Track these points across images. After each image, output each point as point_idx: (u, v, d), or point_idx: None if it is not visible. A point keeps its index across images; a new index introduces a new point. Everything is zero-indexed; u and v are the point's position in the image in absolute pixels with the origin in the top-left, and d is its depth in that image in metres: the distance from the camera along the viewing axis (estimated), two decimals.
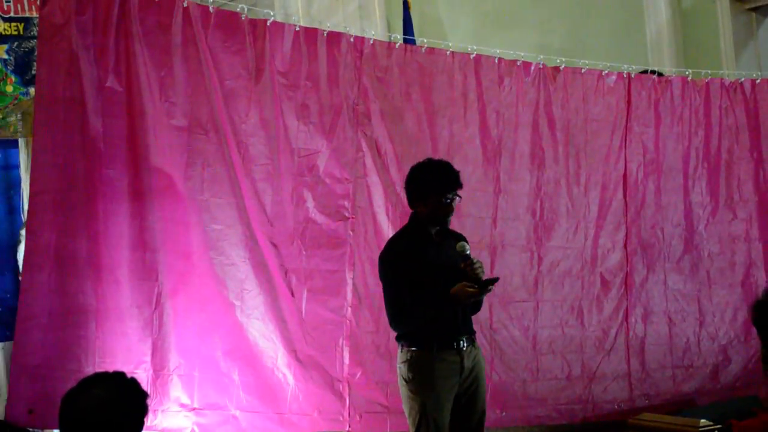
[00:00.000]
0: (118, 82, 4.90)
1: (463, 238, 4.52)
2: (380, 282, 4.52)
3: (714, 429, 5.35)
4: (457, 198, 4.44)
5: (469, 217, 6.00)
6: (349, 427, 5.47)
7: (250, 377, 5.19)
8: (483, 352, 5.89)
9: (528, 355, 6.20)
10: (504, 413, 6.03)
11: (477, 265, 4.28)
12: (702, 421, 5.26)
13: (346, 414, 5.46)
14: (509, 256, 6.18)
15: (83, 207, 4.78)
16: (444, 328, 4.33)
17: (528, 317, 6.22)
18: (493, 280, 4.34)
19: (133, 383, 2.64)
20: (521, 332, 6.19)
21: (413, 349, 4.33)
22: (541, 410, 6.24)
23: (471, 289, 4.20)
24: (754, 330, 6.74)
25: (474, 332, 4.52)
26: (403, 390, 4.40)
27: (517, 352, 6.16)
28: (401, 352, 4.41)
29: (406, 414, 4.42)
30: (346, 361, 5.46)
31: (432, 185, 4.38)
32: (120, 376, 2.66)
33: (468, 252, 4.33)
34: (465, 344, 4.38)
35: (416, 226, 4.47)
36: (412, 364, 4.32)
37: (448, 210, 4.39)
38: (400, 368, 4.40)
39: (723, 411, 5.57)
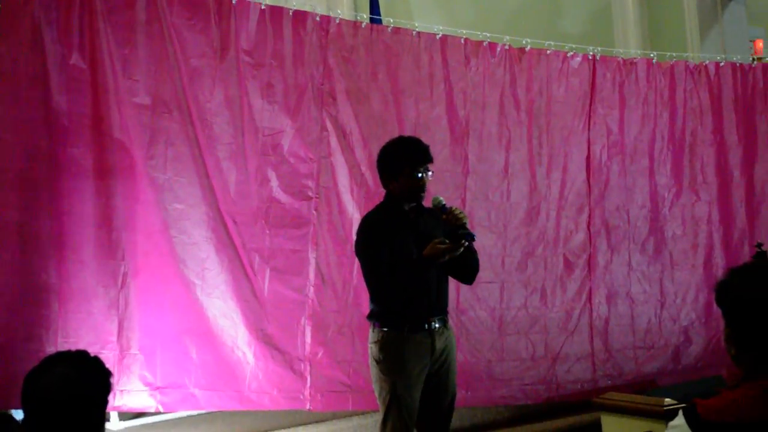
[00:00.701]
0: (82, 59, 4.86)
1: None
2: (350, 261, 4.50)
3: (678, 408, 5.40)
4: (430, 173, 4.41)
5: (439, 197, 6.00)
6: (310, 405, 5.49)
7: (208, 356, 5.18)
8: None
9: (493, 335, 6.23)
10: (469, 393, 6.06)
11: (458, 212, 4.26)
12: (666, 400, 5.30)
13: (307, 393, 5.46)
14: (478, 237, 6.14)
15: (47, 185, 4.75)
16: (416, 308, 4.30)
17: (494, 298, 6.25)
18: (466, 234, 4.22)
19: (96, 361, 2.62)
20: (488, 313, 6.21)
21: (384, 329, 4.31)
22: (506, 390, 6.28)
23: (442, 246, 4.15)
24: (715, 311, 6.91)
25: (447, 313, 4.49)
26: (373, 370, 4.38)
27: (483, 332, 6.18)
28: (372, 332, 4.39)
29: (377, 394, 4.39)
30: (308, 340, 5.46)
31: (403, 160, 4.36)
32: (83, 354, 2.64)
33: (444, 203, 4.33)
34: (437, 325, 4.35)
35: (390, 203, 4.46)
36: (383, 344, 4.30)
37: (421, 184, 4.37)
38: (371, 348, 4.38)
39: (686, 392, 5.61)
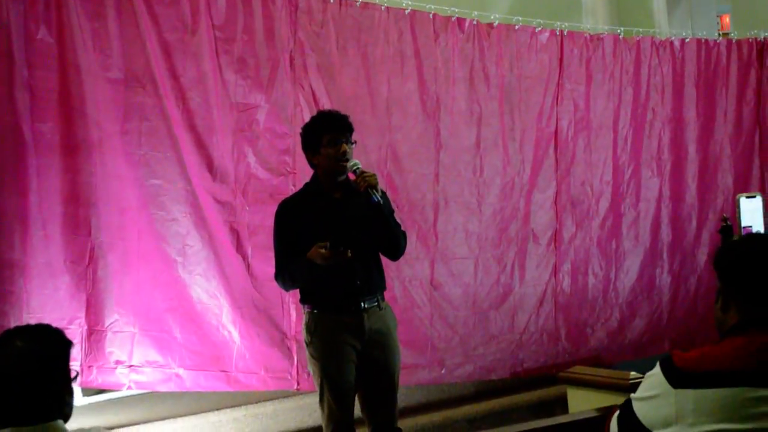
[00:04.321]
0: (49, 34, 4.75)
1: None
2: None
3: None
4: (352, 144, 4.24)
5: (411, 172, 6.02)
6: (298, 385, 5.44)
7: (192, 335, 5.12)
8: (422, 310, 5.93)
9: (467, 311, 6.25)
10: (444, 370, 6.09)
11: (368, 174, 4.11)
12: (632, 373, 5.35)
13: (294, 372, 5.42)
14: (452, 212, 6.19)
15: (11, 161, 4.65)
16: (341, 289, 4.15)
17: (468, 274, 6.26)
18: (344, 245, 3.96)
19: (57, 333, 2.57)
20: (462, 289, 6.23)
21: (312, 311, 4.21)
22: (478, 366, 6.31)
23: (322, 250, 3.97)
24: (657, 287, 7.04)
25: (381, 291, 4.30)
26: (306, 353, 4.29)
27: (457, 308, 6.20)
28: (304, 314, 4.27)
29: (313, 376, 4.30)
30: (293, 318, 5.40)
31: (321, 130, 4.21)
32: (42, 327, 2.59)
33: (359, 167, 4.15)
34: (366, 305, 4.20)
35: (313, 183, 4.32)
36: (310, 327, 4.19)
37: (341, 153, 4.16)
38: (303, 331, 4.27)
39: (648, 368, 5.69)
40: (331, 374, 4.13)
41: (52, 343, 2.53)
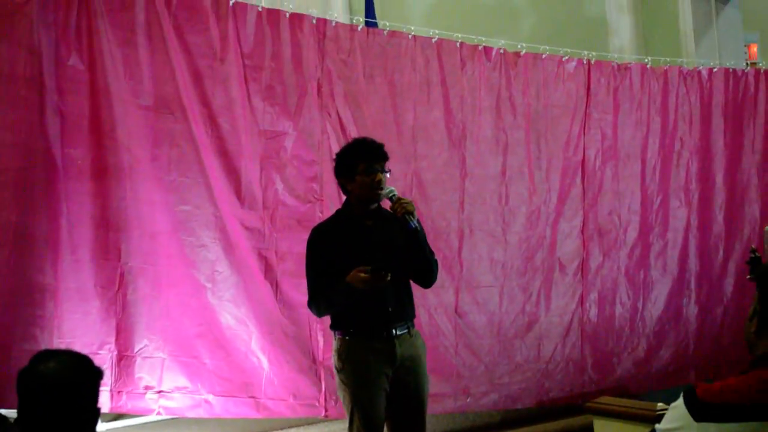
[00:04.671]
0: (81, 60, 4.79)
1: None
2: None
3: None
4: (387, 173, 4.28)
5: (436, 200, 6.03)
6: (326, 412, 5.43)
7: (222, 361, 5.11)
8: (447, 338, 5.92)
9: (492, 340, 6.23)
10: (470, 399, 6.07)
11: (405, 201, 4.20)
12: (659, 404, 5.31)
13: (322, 399, 5.41)
14: (477, 241, 6.19)
15: (43, 186, 4.67)
16: (374, 315, 4.17)
17: (494, 302, 6.25)
18: (385, 269, 4.00)
19: (85, 358, 2.61)
20: (487, 317, 6.21)
21: (344, 338, 4.22)
22: (503, 395, 6.29)
23: (363, 275, 3.99)
24: (684, 317, 6.99)
25: (411, 318, 4.33)
26: (336, 379, 4.29)
27: (481, 337, 6.18)
28: (334, 340, 4.28)
29: (342, 402, 4.29)
30: (321, 345, 5.40)
31: (357, 158, 4.24)
32: (71, 351, 2.66)
33: (395, 194, 4.23)
34: (398, 332, 4.22)
35: (346, 209, 4.36)
36: (342, 353, 4.20)
37: (376, 182, 4.20)
38: (333, 357, 4.27)
39: (676, 396, 5.65)
40: (363, 402, 4.15)
41: (83, 366, 2.57)
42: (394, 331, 4.20)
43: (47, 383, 2.48)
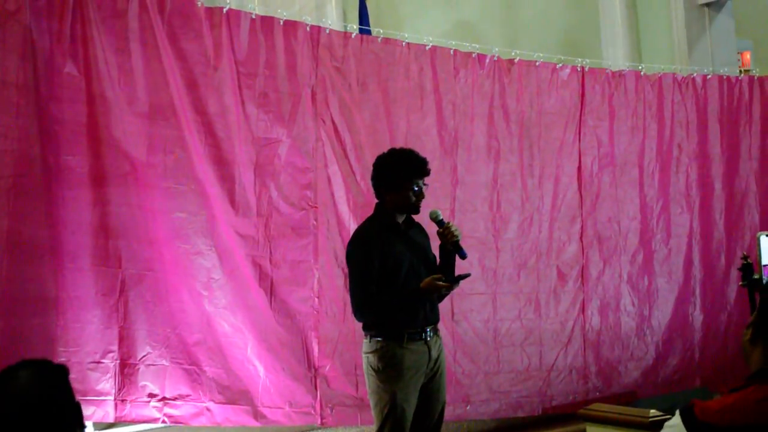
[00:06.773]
0: (76, 68, 4.78)
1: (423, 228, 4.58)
2: (346, 271, 4.50)
3: (664, 419, 5.41)
4: (426, 185, 4.47)
5: (426, 208, 5.98)
6: (321, 420, 5.44)
7: (220, 369, 5.12)
8: (445, 345, 5.95)
9: (489, 347, 6.24)
10: (469, 407, 6.09)
11: (453, 228, 4.37)
12: (652, 411, 5.32)
13: (317, 407, 5.42)
14: (468, 248, 6.15)
15: (40, 193, 4.64)
16: (412, 318, 4.32)
17: (487, 309, 6.25)
18: (465, 275, 4.37)
19: (60, 368, 2.57)
20: (482, 324, 6.22)
21: (382, 339, 4.31)
22: (504, 402, 6.29)
23: (441, 283, 4.22)
24: (691, 324, 6.98)
25: (438, 320, 4.52)
26: (371, 380, 4.36)
27: (478, 344, 6.19)
28: (368, 342, 4.37)
29: (372, 404, 4.37)
30: (316, 353, 5.42)
31: (405, 173, 4.38)
32: (27, 364, 2.56)
33: (442, 217, 4.43)
34: (431, 334, 4.39)
35: (383, 215, 4.46)
36: (381, 354, 4.29)
37: (421, 197, 4.41)
38: (368, 358, 4.36)
39: (671, 402, 5.63)
40: (401, 403, 4.26)
41: (50, 377, 2.50)
42: (428, 334, 4.37)
43: (18, 405, 2.41)
